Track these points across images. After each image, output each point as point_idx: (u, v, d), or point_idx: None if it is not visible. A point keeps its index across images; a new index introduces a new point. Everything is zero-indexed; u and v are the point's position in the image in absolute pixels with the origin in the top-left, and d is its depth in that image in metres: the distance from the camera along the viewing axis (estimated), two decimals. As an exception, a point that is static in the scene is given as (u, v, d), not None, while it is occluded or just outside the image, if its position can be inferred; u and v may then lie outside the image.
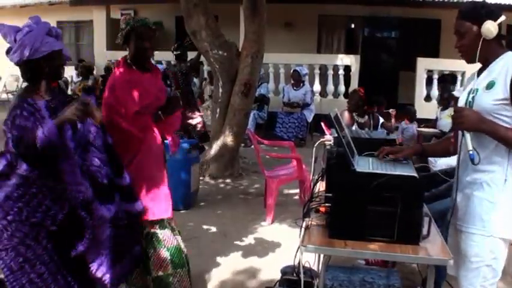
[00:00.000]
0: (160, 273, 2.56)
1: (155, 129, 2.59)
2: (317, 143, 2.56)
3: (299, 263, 2.00)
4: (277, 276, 2.65)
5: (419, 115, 7.05)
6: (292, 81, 8.35)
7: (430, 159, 4.41)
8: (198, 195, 4.88)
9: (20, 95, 2.02)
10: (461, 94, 2.01)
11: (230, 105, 5.69)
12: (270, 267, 3.22)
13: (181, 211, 4.42)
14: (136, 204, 2.32)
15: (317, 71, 9.06)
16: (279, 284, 2.59)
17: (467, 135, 1.75)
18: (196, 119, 6.48)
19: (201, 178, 5.33)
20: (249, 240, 3.90)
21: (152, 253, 2.56)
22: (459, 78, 8.24)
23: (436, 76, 8.61)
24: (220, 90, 5.85)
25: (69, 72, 11.05)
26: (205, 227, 4.19)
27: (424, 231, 1.78)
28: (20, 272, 1.96)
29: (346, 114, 4.75)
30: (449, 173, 2.54)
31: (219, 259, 3.49)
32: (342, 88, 8.98)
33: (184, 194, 4.52)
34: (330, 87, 9.03)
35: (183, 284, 2.62)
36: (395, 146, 2.25)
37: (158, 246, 2.56)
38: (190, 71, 6.63)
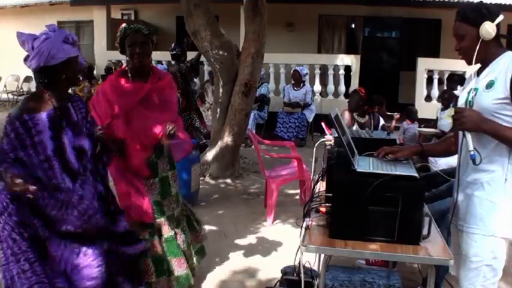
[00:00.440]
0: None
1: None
2: (317, 143, 2.57)
3: (299, 263, 2.01)
4: (278, 276, 2.65)
5: (419, 115, 7.05)
6: (293, 81, 8.35)
7: (431, 159, 4.41)
8: (198, 195, 4.88)
9: (20, 109, 2.04)
10: (461, 94, 2.01)
11: (230, 105, 5.69)
12: (271, 267, 3.22)
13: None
14: (136, 246, 2.35)
15: (317, 71, 9.06)
16: (280, 284, 2.59)
17: (468, 136, 1.75)
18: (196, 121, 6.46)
19: (201, 178, 5.33)
20: (250, 240, 3.90)
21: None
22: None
23: (436, 76, 8.61)
24: (221, 90, 5.85)
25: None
26: (205, 227, 4.18)
27: (425, 231, 1.79)
28: (11, 264, 1.99)
29: (347, 114, 4.75)
30: (450, 172, 2.54)
31: (219, 259, 3.49)
32: (342, 88, 8.98)
33: (185, 194, 4.50)
34: (331, 87, 9.02)
35: None
36: (395, 146, 2.24)
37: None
38: (189, 71, 6.62)
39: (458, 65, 7.05)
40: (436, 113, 6.47)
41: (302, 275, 2.13)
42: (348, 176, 1.82)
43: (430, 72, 8.72)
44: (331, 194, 1.85)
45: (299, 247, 1.78)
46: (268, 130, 8.15)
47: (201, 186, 5.04)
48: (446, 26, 9.54)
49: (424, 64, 8.78)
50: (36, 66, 2.00)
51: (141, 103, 2.57)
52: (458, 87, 6.44)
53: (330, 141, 2.40)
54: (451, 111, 5.49)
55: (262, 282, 3.14)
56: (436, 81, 8.62)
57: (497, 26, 1.77)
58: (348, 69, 9.00)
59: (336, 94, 9.06)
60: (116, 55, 9.37)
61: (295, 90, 8.22)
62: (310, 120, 8.16)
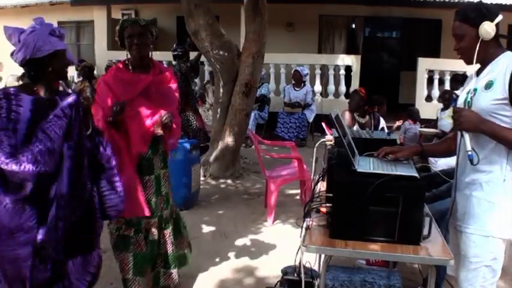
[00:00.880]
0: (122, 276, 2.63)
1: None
2: (318, 143, 2.57)
3: (300, 263, 2.01)
4: (278, 276, 2.65)
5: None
6: (293, 82, 8.35)
7: (431, 159, 4.42)
8: (199, 195, 4.88)
9: (7, 87, 2.02)
10: (460, 94, 2.01)
11: (231, 105, 5.70)
12: (271, 267, 3.23)
13: (182, 211, 4.42)
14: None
15: (318, 71, 9.06)
16: (280, 284, 2.59)
17: (466, 136, 1.75)
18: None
19: (202, 178, 5.33)
20: (250, 240, 3.90)
21: (118, 254, 2.61)
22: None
23: (437, 76, 8.61)
24: (221, 90, 5.85)
25: (70, 72, 11.08)
26: (206, 227, 4.19)
27: (425, 231, 1.78)
28: None
29: (347, 114, 4.75)
30: (449, 173, 2.54)
31: (219, 259, 3.49)
32: (342, 88, 8.98)
33: (185, 194, 4.52)
34: (331, 87, 9.02)
35: None
36: (395, 146, 2.24)
37: (125, 249, 2.58)
38: (189, 71, 6.62)
39: (458, 65, 7.03)
40: (436, 113, 6.48)
41: (302, 275, 2.13)
42: (348, 176, 1.82)
43: (430, 73, 8.72)
44: (331, 194, 1.85)
45: (299, 247, 1.78)
46: (269, 130, 8.15)
47: (201, 187, 5.04)
48: (446, 26, 9.52)
49: (424, 64, 8.78)
50: (23, 59, 1.97)
51: (141, 94, 2.56)
52: (461, 88, 6.44)
53: (331, 141, 2.40)
54: (450, 111, 5.49)
55: (263, 282, 3.14)
56: (436, 82, 8.62)
57: (497, 26, 1.77)
58: (348, 69, 9.00)
59: (337, 94, 9.06)
60: (116, 55, 9.40)
61: (295, 90, 8.22)
62: (311, 120, 8.16)
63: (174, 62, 6.72)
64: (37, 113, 1.95)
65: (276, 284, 2.67)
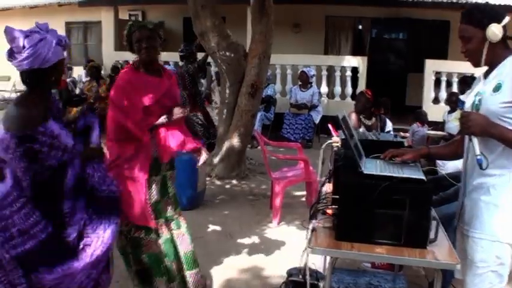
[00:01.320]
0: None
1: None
2: (324, 145, 2.56)
3: (305, 265, 2.00)
4: (283, 277, 2.65)
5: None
6: (300, 83, 8.34)
7: (439, 162, 4.39)
8: (204, 195, 4.88)
9: (21, 121, 1.93)
10: (467, 97, 1.99)
11: (237, 106, 5.70)
12: (276, 269, 3.22)
13: (188, 211, 4.42)
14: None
15: (324, 73, 9.04)
16: (285, 286, 2.58)
17: (475, 140, 1.73)
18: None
19: (207, 178, 5.34)
20: (255, 241, 3.90)
21: (131, 258, 2.62)
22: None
23: (444, 78, 8.55)
24: (227, 91, 5.86)
25: (78, 71, 11.14)
26: (211, 227, 4.20)
27: (432, 234, 1.77)
28: None
29: (354, 116, 4.73)
30: (457, 176, 2.52)
31: (224, 259, 3.49)
32: (349, 90, 8.95)
33: (191, 194, 4.53)
34: (337, 88, 9.00)
35: None
36: (402, 148, 2.23)
37: (137, 251, 2.59)
38: (197, 72, 6.63)
39: (466, 67, 6.98)
40: (443, 116, 6.44)
41: (308, 277, 2.12)
42: (355, 178, 1.81)
43: (438, 74, 8.66)
44: (337, 196, 1.84)
45: (305, 249, 1.78)
46: (275, 131, 8.14)
47: (207, 187, 5.05)
48: (454, 27, 9.47)
49: (431, 66, 8.72)
50: (28, 68, 1.94)
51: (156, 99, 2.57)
52: (467, 91, 6.39)
53: (337, 142, 2.40)
54: (458, 114, 5.45)
55: (267, 283, 3.14)
56: (444, 84, 8.56)
57: (504, 27, 1.75)
58: (354, 70, 8.97)
59: (343, 96, 9.03)
60: (124, 55, 9.45)
61: (302, 91, 8.21)
62: (317, 121, 8.14)
63: (181, 63, 6.73)
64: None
65: (281, 285, 2.67)
